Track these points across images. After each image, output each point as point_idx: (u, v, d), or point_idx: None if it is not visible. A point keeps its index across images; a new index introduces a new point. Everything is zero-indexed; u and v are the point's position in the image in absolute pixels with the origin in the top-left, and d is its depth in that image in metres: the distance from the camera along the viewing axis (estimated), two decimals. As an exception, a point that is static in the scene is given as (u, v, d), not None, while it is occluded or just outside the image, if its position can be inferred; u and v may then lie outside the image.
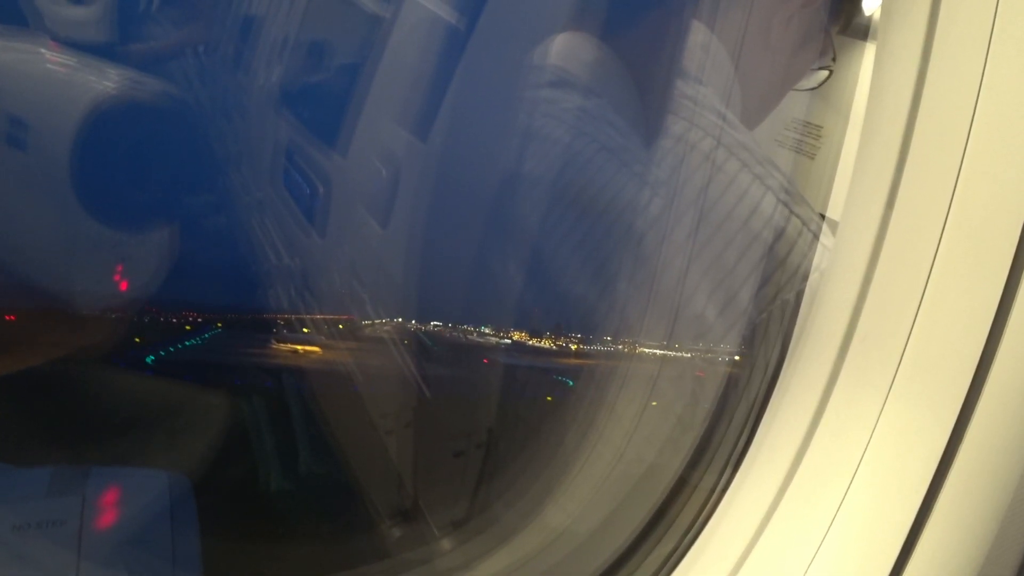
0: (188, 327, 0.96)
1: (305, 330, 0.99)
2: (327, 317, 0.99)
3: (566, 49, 0.73)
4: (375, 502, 0.85)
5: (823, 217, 0.68)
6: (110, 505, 0.66)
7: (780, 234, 0.62)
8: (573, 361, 0.78)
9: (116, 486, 0.69)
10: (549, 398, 0.83)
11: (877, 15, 0.46)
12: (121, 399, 0.87)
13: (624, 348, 0.69)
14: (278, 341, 0.99)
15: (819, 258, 0.61)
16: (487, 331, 0.88)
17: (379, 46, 0.88)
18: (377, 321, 0.93)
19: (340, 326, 0.97)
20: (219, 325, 0.98)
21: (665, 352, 0.66)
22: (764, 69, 0.73)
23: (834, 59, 0.79)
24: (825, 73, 0.82)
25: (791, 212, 0.64)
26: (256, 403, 0.97)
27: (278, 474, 0.93)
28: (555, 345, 0.80)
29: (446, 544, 0.73)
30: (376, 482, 0.88)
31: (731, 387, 0.61)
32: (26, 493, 0.63)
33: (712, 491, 0.55)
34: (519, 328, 0.84)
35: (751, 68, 0.71)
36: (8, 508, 0.61)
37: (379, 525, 0.83)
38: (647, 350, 0.67)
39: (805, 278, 0.60)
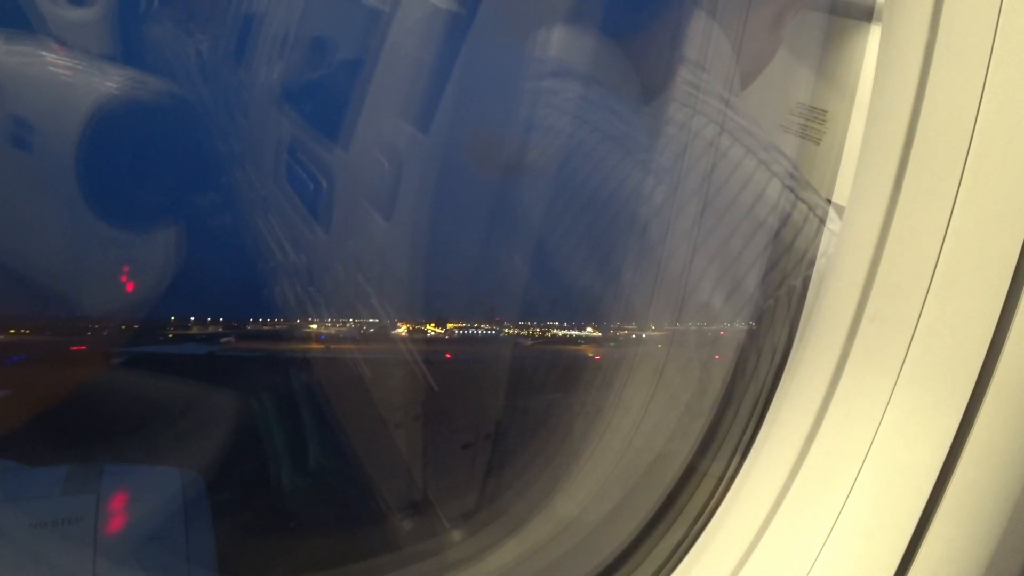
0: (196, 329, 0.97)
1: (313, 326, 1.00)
2: (334, 316, 0.99)
3: (566, 39, 0.72)
4: (385, 495, 0.86)
5: (829, 202, 0.67)
6: (125, 503, 0.67)
7: (786, 220, 0.62)
8: (580, 350, 0.78)
9: (130, 484, 0.69)
10: (556, 388, 0.83)
11: (881, -5, 0.45)
12: (132, 399, 0.87)
13: (631, 336, 0.69)
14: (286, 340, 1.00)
15: (826, 243, 0.60)
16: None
17: (379, 41, 0.88)
18: (383, 317, 0.94)
19: (347, 323, 0.97)
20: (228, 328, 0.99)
21: (672, 340, 0.66)
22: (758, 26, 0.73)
23: None
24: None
25: (797, 198, 0.63)
26: (266, 400, 0.97)
27: (289, 470, 0.94)
28: (549, 334, 0.80)
29: (456, 535, 0.73)
30: (386, 475, 0.88)
31: (739, 374, 0.60)
32: (42, 492, 0.64)
33: (721, 479, 0.55)
34: (524, 319, 0.84)
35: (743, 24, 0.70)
36: (25, 507, 0.62)
37: (390, 518, 0.84)
38: (654, 338, 0.67)
39: (812, 264, 0.59)
